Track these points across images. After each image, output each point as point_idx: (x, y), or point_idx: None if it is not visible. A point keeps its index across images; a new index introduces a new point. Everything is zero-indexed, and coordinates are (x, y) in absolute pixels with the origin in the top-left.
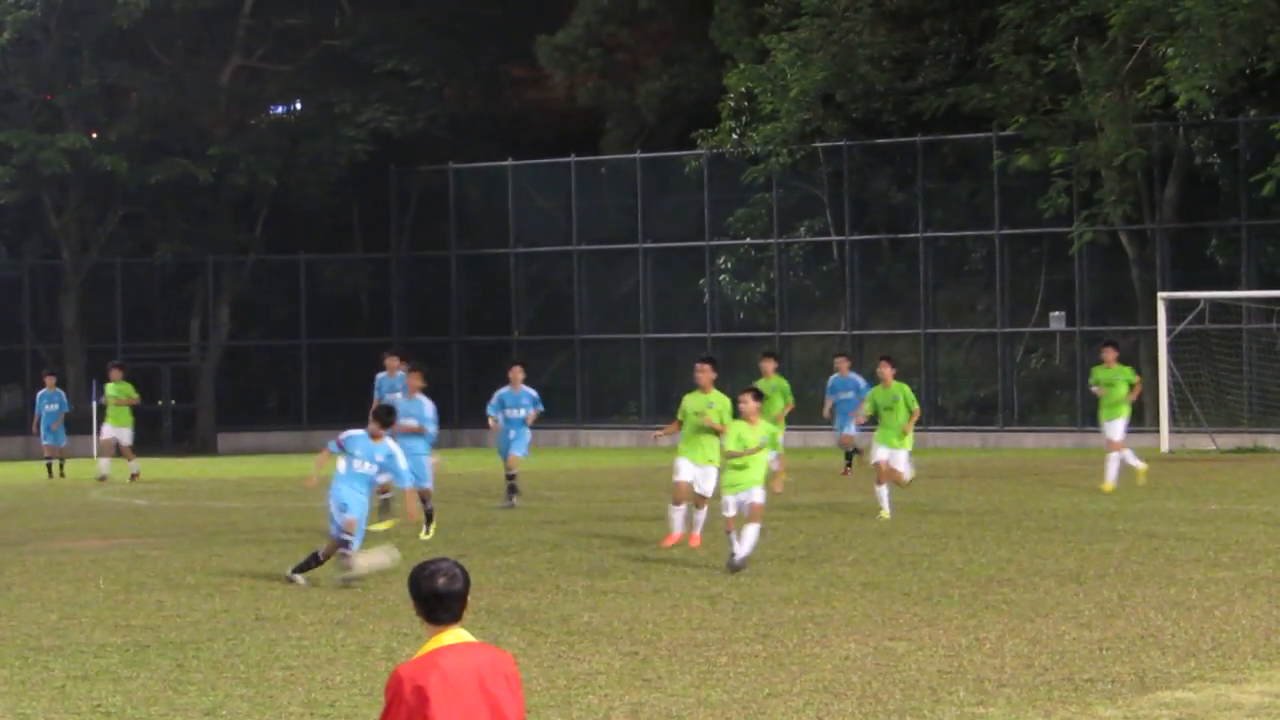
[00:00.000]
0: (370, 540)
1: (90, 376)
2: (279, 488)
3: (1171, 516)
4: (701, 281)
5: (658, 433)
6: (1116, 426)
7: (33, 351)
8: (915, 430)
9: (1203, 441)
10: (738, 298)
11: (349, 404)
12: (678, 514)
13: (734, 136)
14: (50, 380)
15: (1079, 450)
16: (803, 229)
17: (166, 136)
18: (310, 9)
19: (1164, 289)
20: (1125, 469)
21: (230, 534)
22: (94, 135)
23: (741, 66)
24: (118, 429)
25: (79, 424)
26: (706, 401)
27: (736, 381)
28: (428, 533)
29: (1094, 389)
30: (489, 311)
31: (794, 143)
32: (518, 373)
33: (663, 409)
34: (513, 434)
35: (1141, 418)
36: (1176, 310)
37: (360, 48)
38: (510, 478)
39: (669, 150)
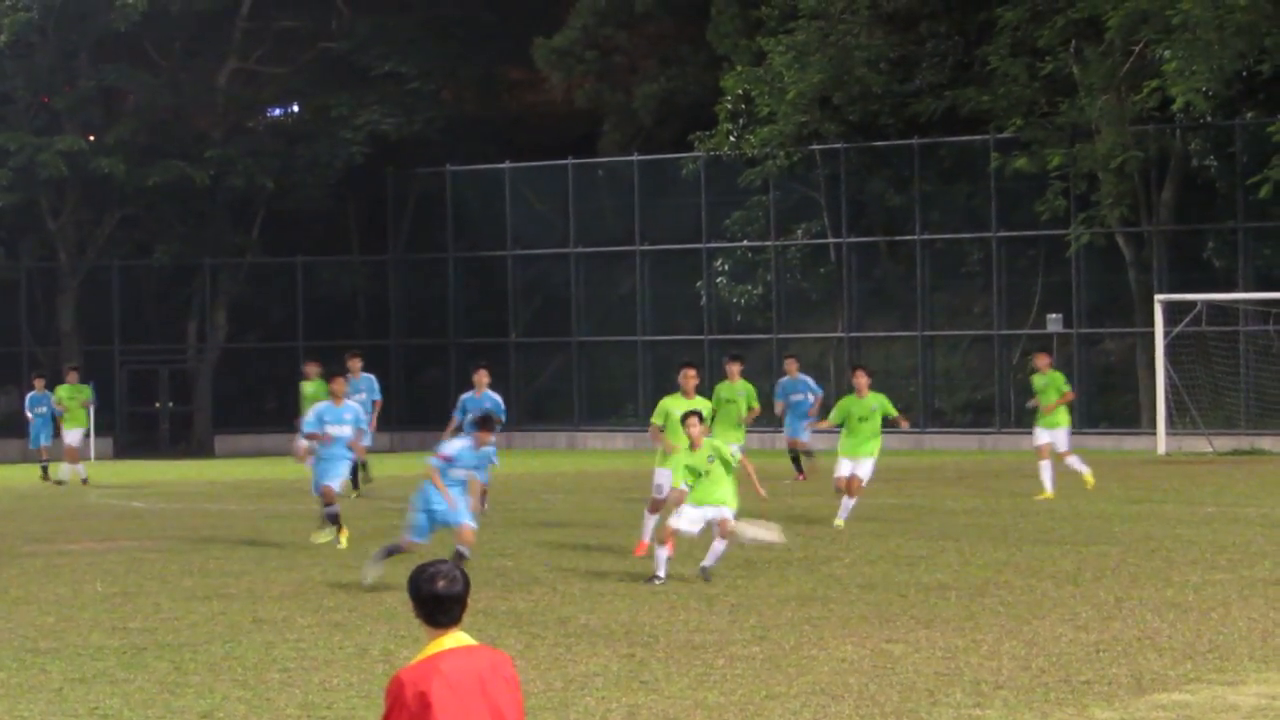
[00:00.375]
0: (303, 553)
1: (87, 379)
2: (276, 490)
3: (1168, 519)
4: (699, 284)
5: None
6: (1058, 435)
7: (30, 354)
8: (908, 432)
9: (1200, 444)
10: (735, 300)
11: None
12: (652, 522)
13: (731, 139)
14: (39, 382)
15: (1076, 452)
16: (800, 231)
17: (163, 139)
18: (308, 11)
19: (1161, 291)
20: (1067, 475)
21: (228, 537)
22: (91, 138)
23: (738, 69)
24: (70, 431)
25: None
26: (690, 406)
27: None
28: (339, 542)
29: (1031, 404)
30: (486, 314)
31: (791, 145)
32: (483, 376)
33: None
34: None
35: (1138, 420)
36: (1173, 312)
37: (357, 50)
38: None
39: (666, 153)
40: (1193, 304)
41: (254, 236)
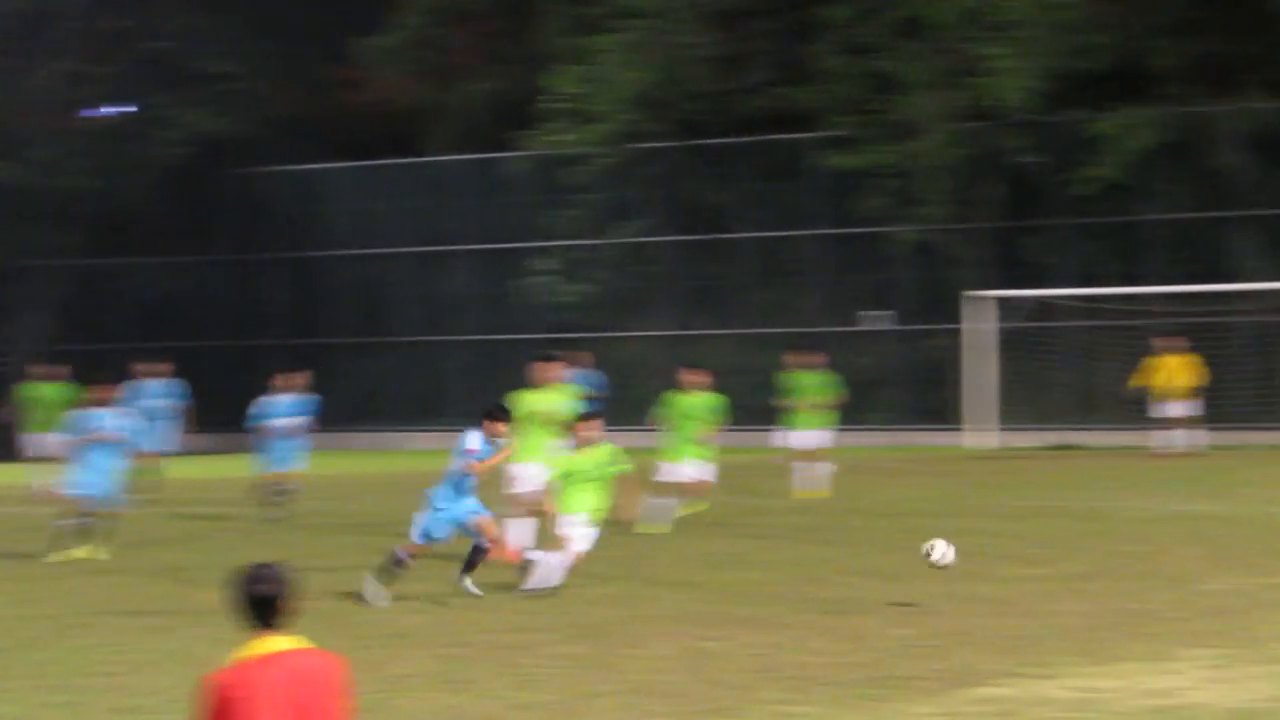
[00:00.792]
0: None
1: None
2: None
3: (991, 513)
4: (524, 283)
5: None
6: (825, 436)
7: None
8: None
9: (1021, 439)
10: (561, 299)
11: None
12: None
13: (557, 138)
14: None
15: (899, 448)
16: (626, 230)
17: None
18: (131, 11)
19: (985, 288)
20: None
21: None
22: None
23: (565, 67)
24: None
25: None
26: (551, 400)
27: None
28: (98, 553)
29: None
30: (309, 315)
31: (617, 143)
32: (287, 380)
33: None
34: (283, 444)
35: (960, 416)
36: (998, 309)
37: (182, 50)
38: (280, 491)
39: (492, 151)
40: (1016, 300)
41: (78, 238)
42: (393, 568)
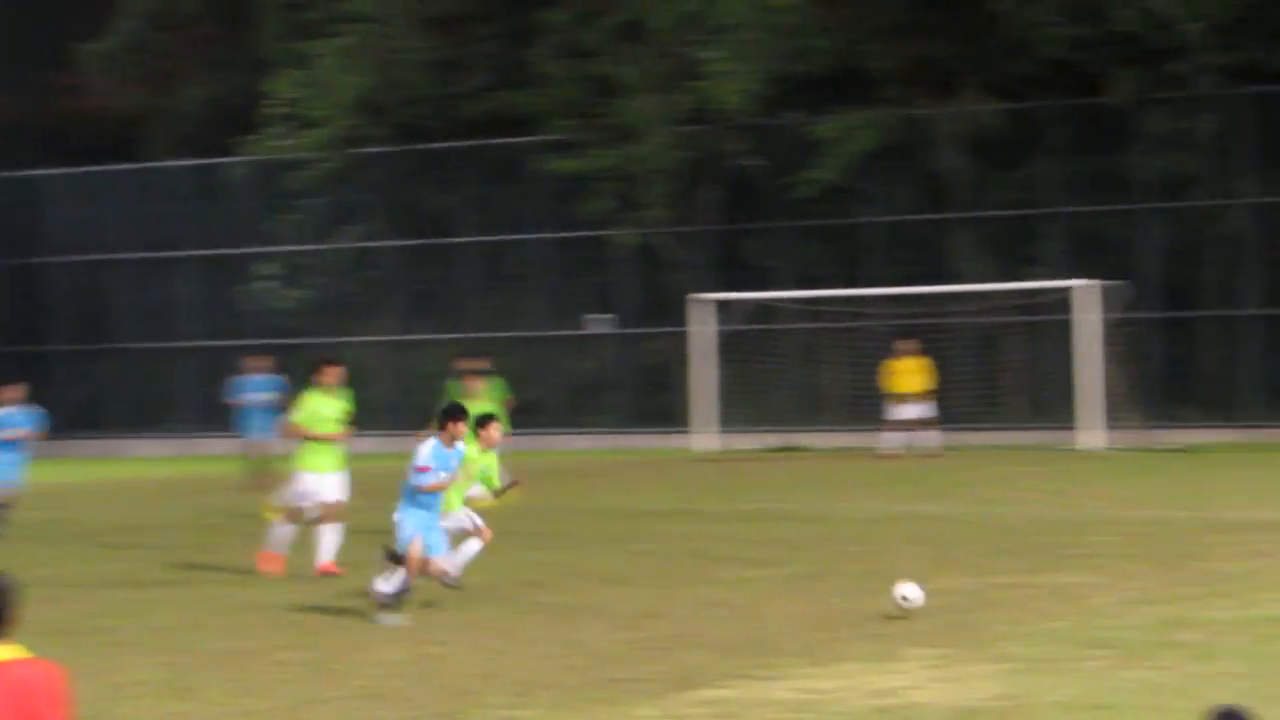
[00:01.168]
0: None
1: None
2: None
3: (713, 516)
4: (247, 289)
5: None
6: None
7: None
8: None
9: (747, 440)
10: (283, 305)
11: None
12: (287, 532)
13: (277, 143)
14: None
15: (624, 451)
16: (348, 235)
17: None
18: None
19: (707, 291)
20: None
21: None
22: None
23: (284, 72)
24: None
25: None
26: (336, 404)
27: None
28: None
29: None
30: (31, 322)
31: (338, 148)
32: (6, 391)
33: (209, 418)
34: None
35: (684, 419)
36: (720, 311)
37: None
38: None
39: (213, 157)
40: (738, 303)
41: None
42: (395, 594)
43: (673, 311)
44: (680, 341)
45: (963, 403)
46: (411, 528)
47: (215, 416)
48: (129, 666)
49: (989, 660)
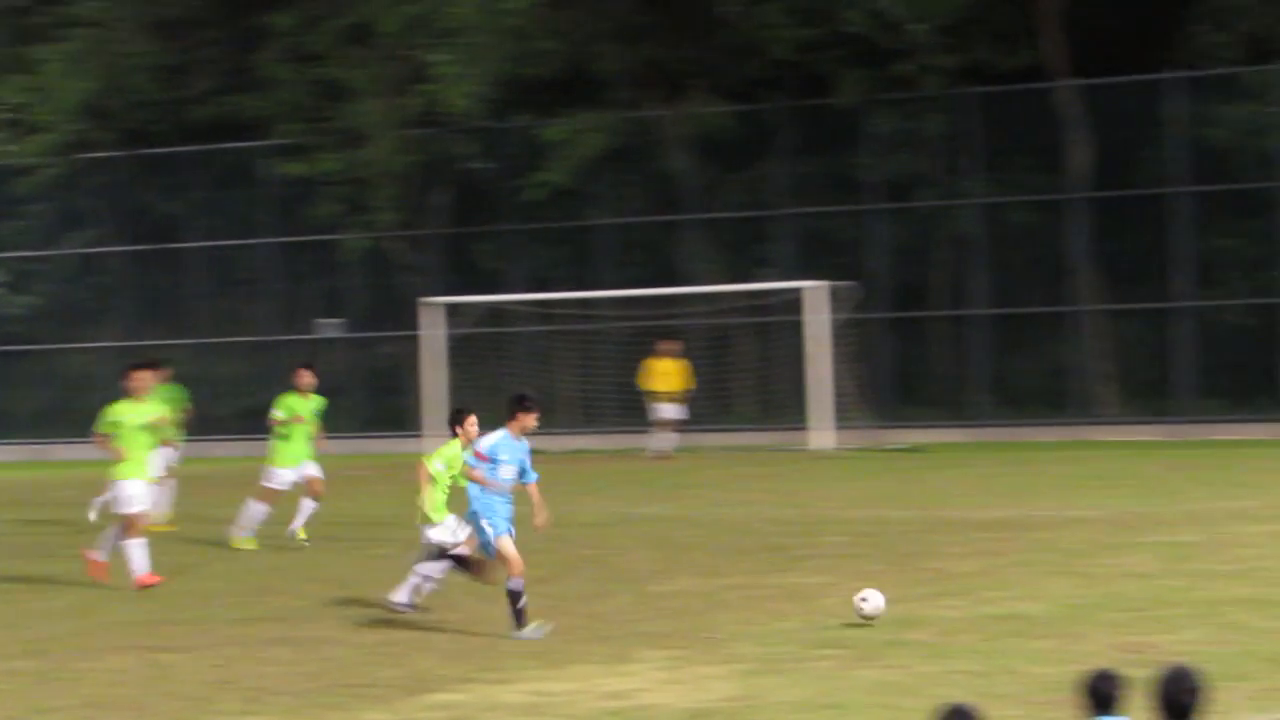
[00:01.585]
0: None
1: None
2: None
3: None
4: None
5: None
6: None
7: None
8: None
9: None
10: (9, 311)
11: None
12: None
13: (3, 148)
14: None
15: (357, 456)
16: (75, 240)
17: None
18: None
19: (438, 294)
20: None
21: None
22: None
23: (7, 77)
24: None
25: None
26: (151, 411)
27: (13, 398)
28: None
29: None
30: None
31: (63, 154)
32: None
33: None
34: None
35: (415, 424)
36: (450, 315)
37: None
38: None
39: None
40: (469, 306)
41: None
42: (516, 607)
43: (403, 315)
44: (411, 345)
45: (695, 404)
46: (492, 525)
47: None
48: None
49: (721, 661)
